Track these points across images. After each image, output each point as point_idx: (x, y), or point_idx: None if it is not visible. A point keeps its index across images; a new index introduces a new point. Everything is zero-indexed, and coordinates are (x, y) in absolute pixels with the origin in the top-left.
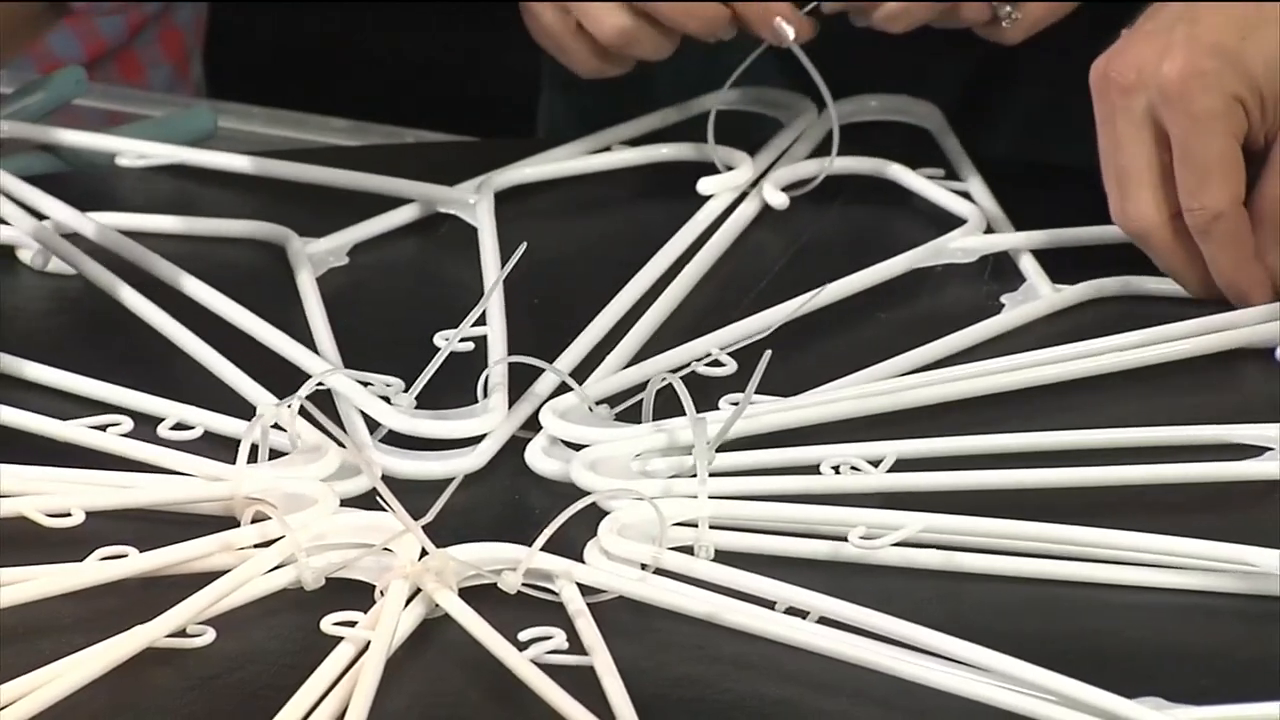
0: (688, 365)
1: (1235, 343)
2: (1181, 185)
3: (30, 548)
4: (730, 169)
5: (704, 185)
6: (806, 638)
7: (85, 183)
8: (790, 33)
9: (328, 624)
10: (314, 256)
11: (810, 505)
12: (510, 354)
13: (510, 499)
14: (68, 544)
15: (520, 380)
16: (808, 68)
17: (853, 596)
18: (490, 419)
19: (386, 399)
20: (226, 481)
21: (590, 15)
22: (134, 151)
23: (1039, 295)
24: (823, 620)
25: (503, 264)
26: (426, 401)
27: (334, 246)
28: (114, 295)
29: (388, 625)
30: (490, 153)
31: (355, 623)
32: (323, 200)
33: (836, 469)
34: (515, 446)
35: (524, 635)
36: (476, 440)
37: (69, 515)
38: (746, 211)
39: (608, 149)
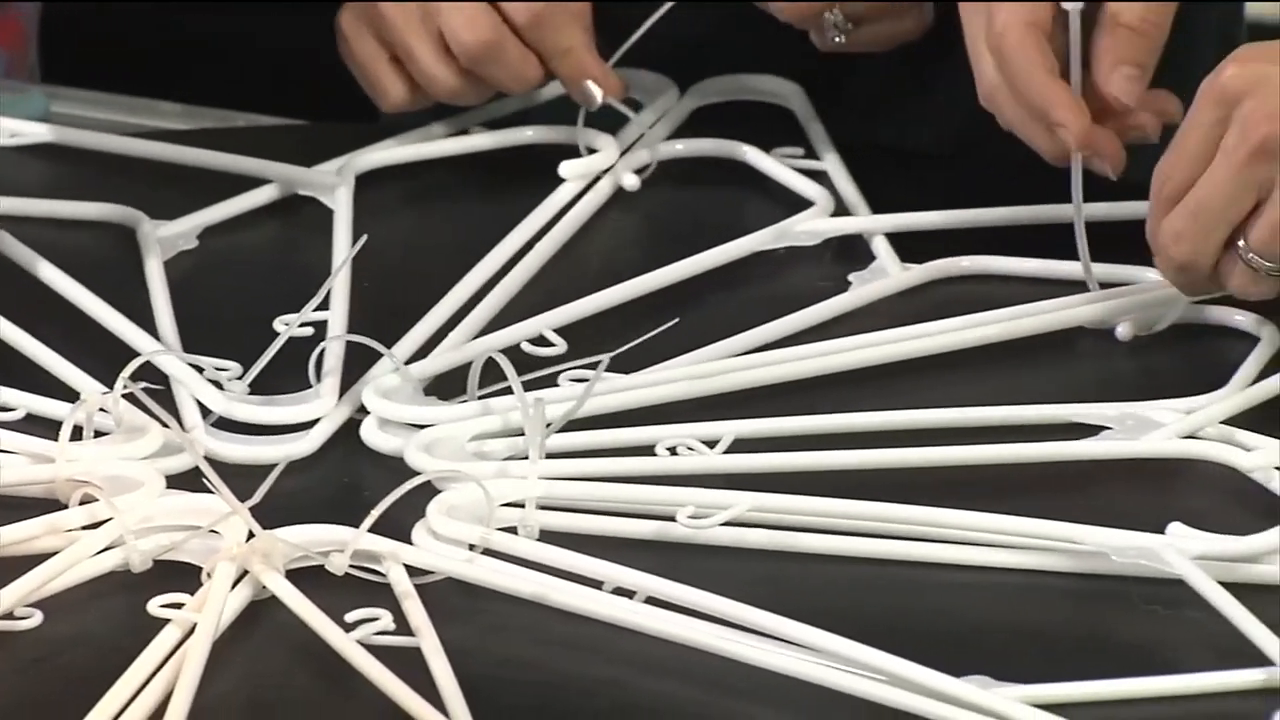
0: (517, 345)
1: (1075, 321)
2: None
3: None
4: (593, 151)
5: (565, 168)
6: (633, 617)
7: None
8: (598, 96)
9: (155, 606)
10: (164, 239)
11: (640, 485)
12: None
13: (340, 482)
14: None
15: (366, 364)
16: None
17: (682, 577)
18: (321, 404)
19: (218, 384)
20: (52, 462)
21: (424, 74)
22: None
23: (887, 274)
24: (650, 600)
25: (349, 241)
26: (266, 386)
27: (185, 230)
28: None
29: (214, 607)
30: (333, 137)
31: (183, 605)
32: (177, 182)
33: (673, 450)
34: (351, 429)
35: (351, 617)
36: (311, 424)
37: None
38: (599, 194)
39: (464, 131)
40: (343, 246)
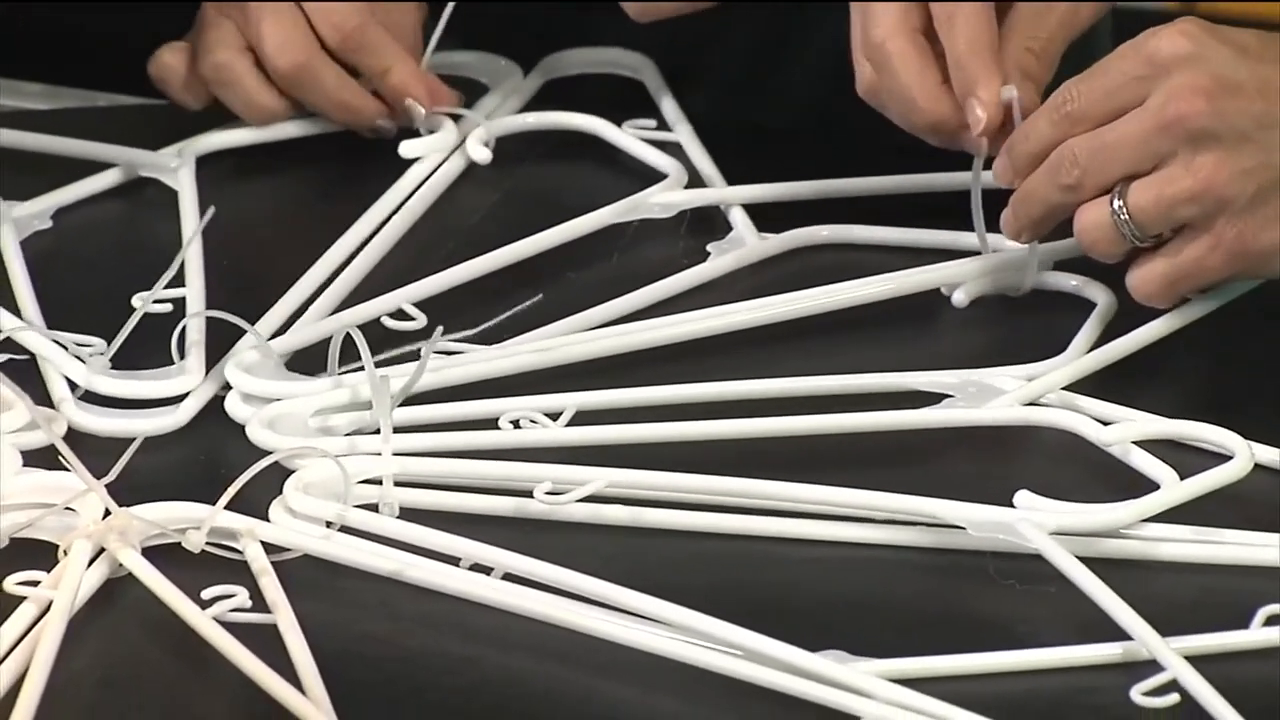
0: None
1: (926, 286)
2: None
3: None
4: (433, 132)
5: (405, 149)
6: (489, 594)
7: None
8: (421, 113)
9: (10, 584)
10: (18, 220)
11: (497, 461)
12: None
13: (200, 459)
14: None
15: (227, 342)
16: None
17: (539, 553)
18: (189, 379)
19: (81, 359)
20: None
21: (244, 103)
22: None
23: (745, 244)
24: (507, 576)
25: (198, 221)
26: (130, 363)
27: (38, 210)
28: None
29: (70, 585)
30: (191, 117)
31: (38, 582)
32: (28, 164)
33: (516, 423)
34: (213, 406)
35: (207, 594)
36: (179, 400)
37: None
38: (449, 170)
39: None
40: (191, 226)
